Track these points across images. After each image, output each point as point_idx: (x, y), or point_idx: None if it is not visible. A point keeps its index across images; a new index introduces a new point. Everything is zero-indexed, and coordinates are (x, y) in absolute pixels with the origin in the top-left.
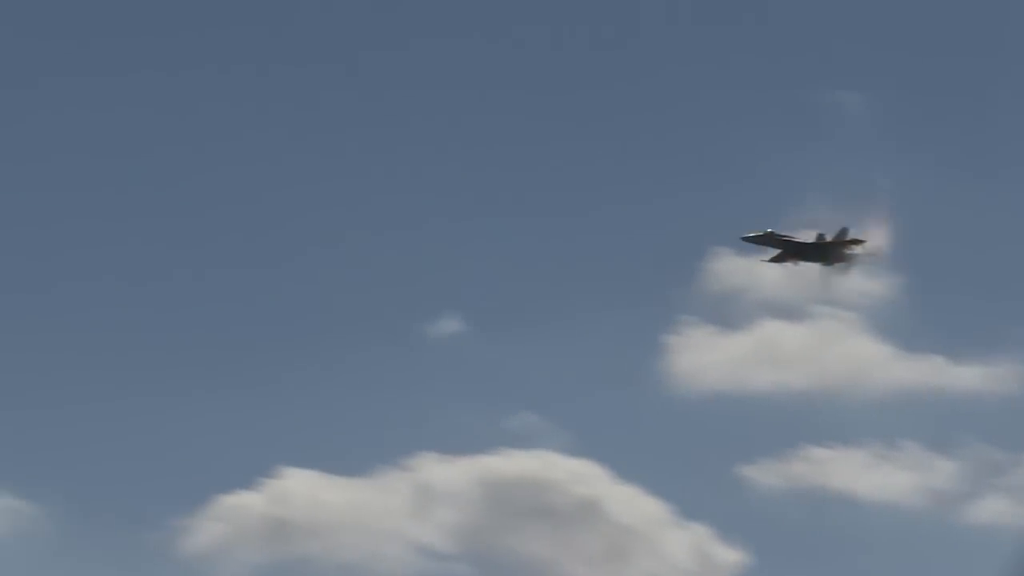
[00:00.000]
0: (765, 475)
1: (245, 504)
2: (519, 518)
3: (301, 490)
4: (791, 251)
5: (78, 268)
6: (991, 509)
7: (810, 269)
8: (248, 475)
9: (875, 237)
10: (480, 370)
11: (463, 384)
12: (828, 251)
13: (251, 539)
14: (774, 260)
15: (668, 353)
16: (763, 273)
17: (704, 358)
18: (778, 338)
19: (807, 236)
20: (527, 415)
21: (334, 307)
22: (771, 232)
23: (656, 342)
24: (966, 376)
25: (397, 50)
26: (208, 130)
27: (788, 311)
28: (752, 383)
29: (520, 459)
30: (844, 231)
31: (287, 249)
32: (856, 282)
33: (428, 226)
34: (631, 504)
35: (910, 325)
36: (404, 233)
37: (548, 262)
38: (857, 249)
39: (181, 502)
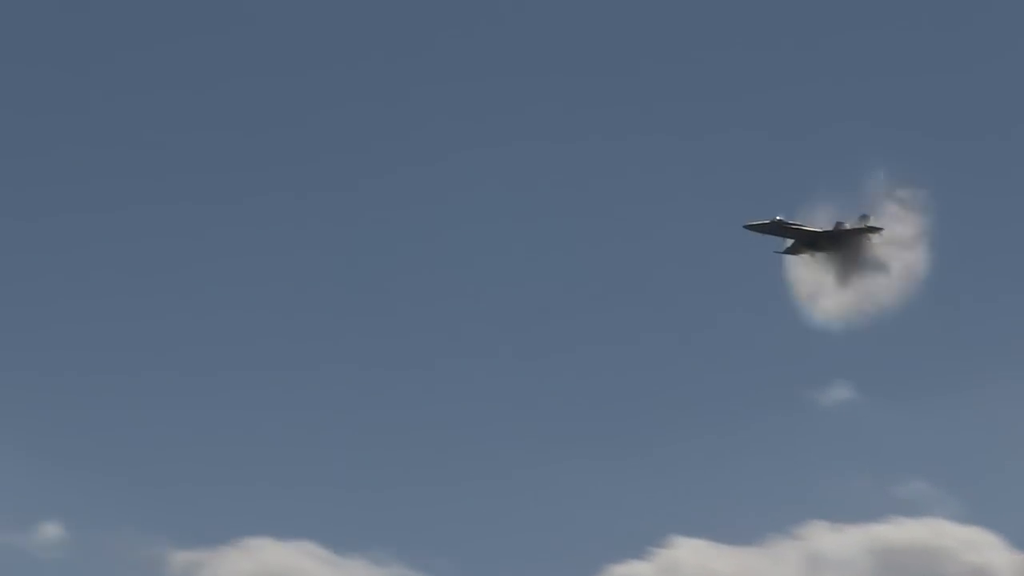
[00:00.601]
0: None
1: (636, 573)
2: None
3: (691, 559)
4: (803, 241)
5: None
6: None
7: (826, 260)
8: (639, 544)
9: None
10: (870, 438)
11: (853, 452)
12: (843, 240)
13: None
14: (788, 252)
15: None
16: None
17: None
18: None
19: (823, 224)
20: (917, 483)
21: (726, 376)
22: (779, 220)
23: None
24: None
25: None
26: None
27: None
28: None
29: (911, 527)
30: (864, 218)
31: (676, 322)
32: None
33: None
34: None
35: None
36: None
37: (937, 330)
38: (875, 238)
39: (574, 572)
